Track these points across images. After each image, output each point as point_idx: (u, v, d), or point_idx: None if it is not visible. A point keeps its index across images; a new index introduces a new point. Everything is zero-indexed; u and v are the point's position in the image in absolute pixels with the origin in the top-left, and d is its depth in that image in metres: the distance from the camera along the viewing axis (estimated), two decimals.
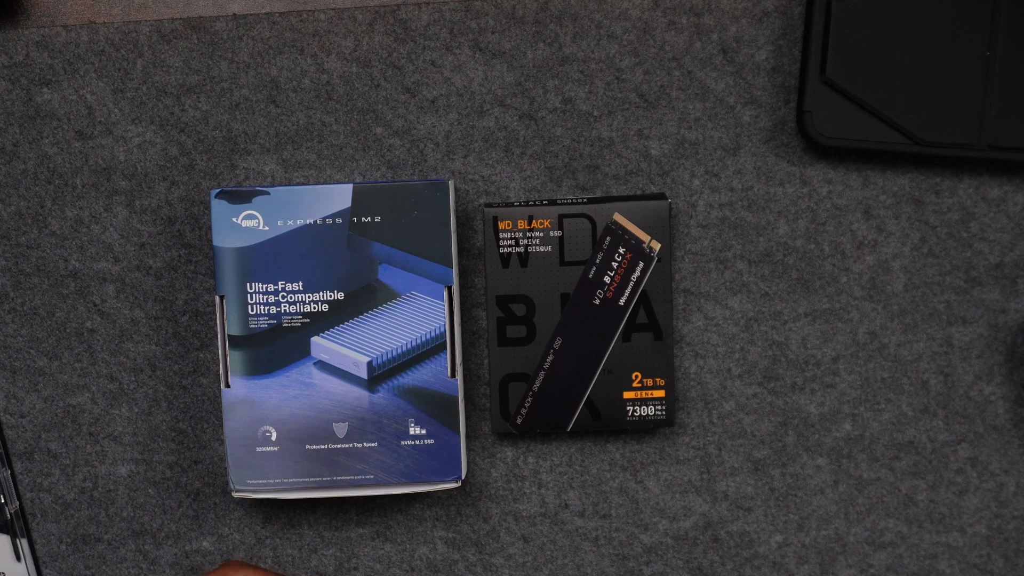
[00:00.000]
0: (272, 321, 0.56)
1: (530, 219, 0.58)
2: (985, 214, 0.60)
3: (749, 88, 0.60)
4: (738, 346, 0.61)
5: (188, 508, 0.61)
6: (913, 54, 0.57)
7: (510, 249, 0.58)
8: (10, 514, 0.61)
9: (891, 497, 0.62)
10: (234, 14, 0.59)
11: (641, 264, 0.58)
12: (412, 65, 0.59)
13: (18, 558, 0.61)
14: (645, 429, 0.61)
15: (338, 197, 0.56)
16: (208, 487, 0.61)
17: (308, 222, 0.56)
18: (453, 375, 0.57)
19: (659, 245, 0.58)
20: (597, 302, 0.58)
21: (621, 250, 0.58)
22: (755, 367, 0.61)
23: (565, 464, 0.61)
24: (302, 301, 0.56)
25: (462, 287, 0.60)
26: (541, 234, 0.58)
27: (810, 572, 0.62)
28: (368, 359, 0.57)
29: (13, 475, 0.61)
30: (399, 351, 0.56)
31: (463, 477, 0.58)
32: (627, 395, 0.59)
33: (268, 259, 0.56)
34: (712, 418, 0.61)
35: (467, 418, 0.61)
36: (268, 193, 0.56)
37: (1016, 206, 0.60)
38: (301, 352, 0.56)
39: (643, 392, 0.59)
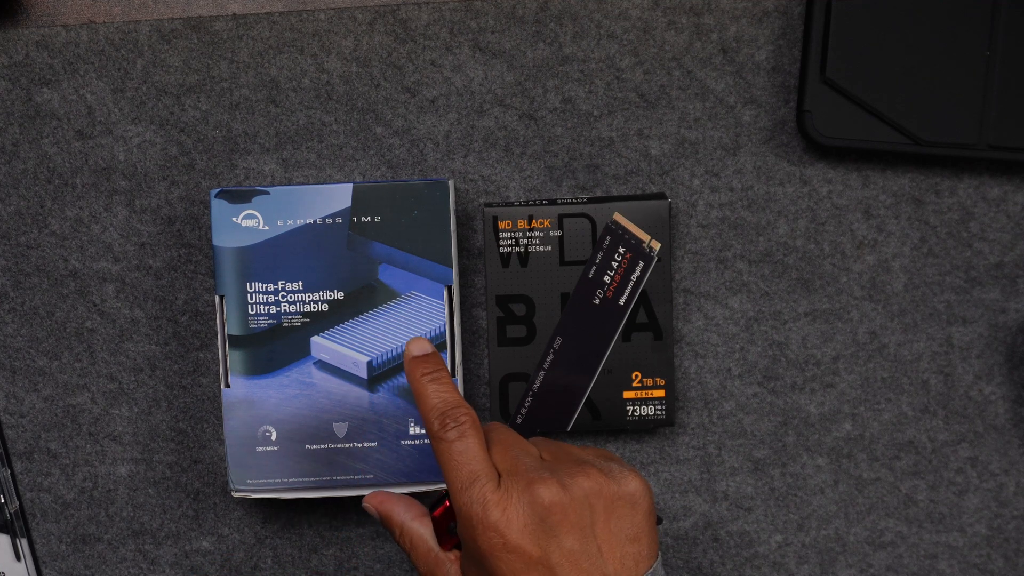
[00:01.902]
0: (272, 321, 0.56)
1: (530, 219, 0.58)
2: (985, 214, 0.60)
3: (749, 88, 0.60)
4: (738, 346, 0.61)
5: (188, 508, 0.61)
6: (913, 54, 0.57)
7: (510, 249, 0.58)
8: (10, 514, 0.61)
9: (891, 497, 0.62)
10: (234, 14, 0.59)
11: (641, 264, 0.58)
12: (412, 65, 0.59)
13: (18, 558, 0.61)
14: (645, 429, 0.61)
15: (338, 197, 0.56)
16: (208, 487, 0.61)
17: (308, 222, 0.56)
18: (453, 375, 0.57)
19: (659, 245, 0.58)
20: (597, 302, 0.58)
21: (621, 250, 0.58)
22: (755, 367, 0.61)
23: None
24: (302, 301, 0.56)
25: (462, 287, 0.60)
26: (541, 234, 0.58)
27: (810, 572, 0.62)
28: (368, 359, 0.57)
29: (13, 475, 0.61)
30: (399, 351, 0.57)
31: None
32: (627, 395, 0.59)
33: (268, 259, 0.56)
34: (712, 418, 0.61)
35: None
36: (268, 193, 0.56)
37: (1016, 206, 0.60)
38: (301, 352, 0.56)
39: (643, 392, 0.59)
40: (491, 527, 0.43)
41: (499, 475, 0.45)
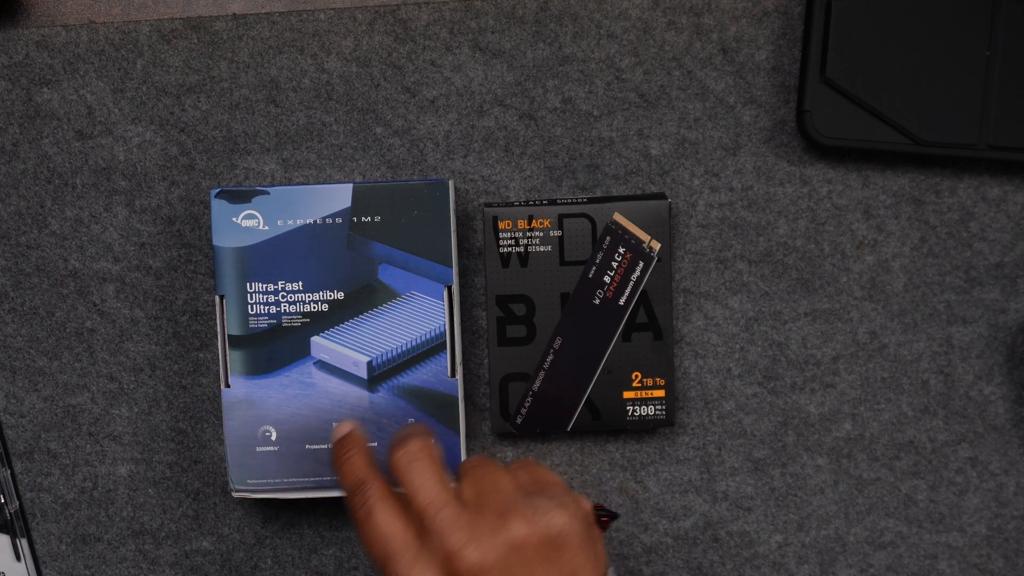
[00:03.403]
0: (272, 321, 0.56)
1: (530, 219, 0.58)
2: (985, 214, 0.60)
3: (749, 88, 0.60)
4: (738, 346, 0.61)
5: (188, 508, 0.61)
6: (913, 54, 0.57)
7: (510, 249, 0.58)
8: (10, 514, 0.61)
9: (891, 497, 0.62)
10: (234, 14, 0.59)
11: (641, 264, 0.58)
12: (412, 65, 0.59)
13: (18, 558, 0.61)
14: (645, 429, 0.61)
15: (338, 197, 0.56)
16: (208, 487, 0.61)
17: (308, 222, 0.56)
18: (453, 375, 0.57)
19: (659, 245, 0.58)
20: (597, 302, 0.58)
21: (621, 250, 0.58)
22: (755, 367, 0.61)
23: (565, 464, 0.61)
24: (302, 301, 0.56)
25: (462, 287, 0.60)
26: (541, 234, 0.58)
27: (810, 572, 0.62)
28: (368, 359, 0.57)
29: (13, 475, 0.61)
30: (399, 351, 0.57)
31: None
32: (627, 395, 0.59)
33: (268, 259, 0.56)
34: (712, 418, 0.61)
35: (467, 418, 0.61)
36: (268, 193, 0.56)
37: (1016, 206, 0.60)
38: (301, 352, 0.56)
39: (643, 392, 0.59)
40: None
41: (417, 538, 0.43)
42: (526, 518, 0.43)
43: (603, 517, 0.50)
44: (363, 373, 0.57)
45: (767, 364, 0.61)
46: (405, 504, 0.45)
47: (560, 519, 0.43)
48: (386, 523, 0.44)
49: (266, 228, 0.56)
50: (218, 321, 0.56)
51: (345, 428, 0.50)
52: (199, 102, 0.60)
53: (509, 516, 0.43)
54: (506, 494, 0.44)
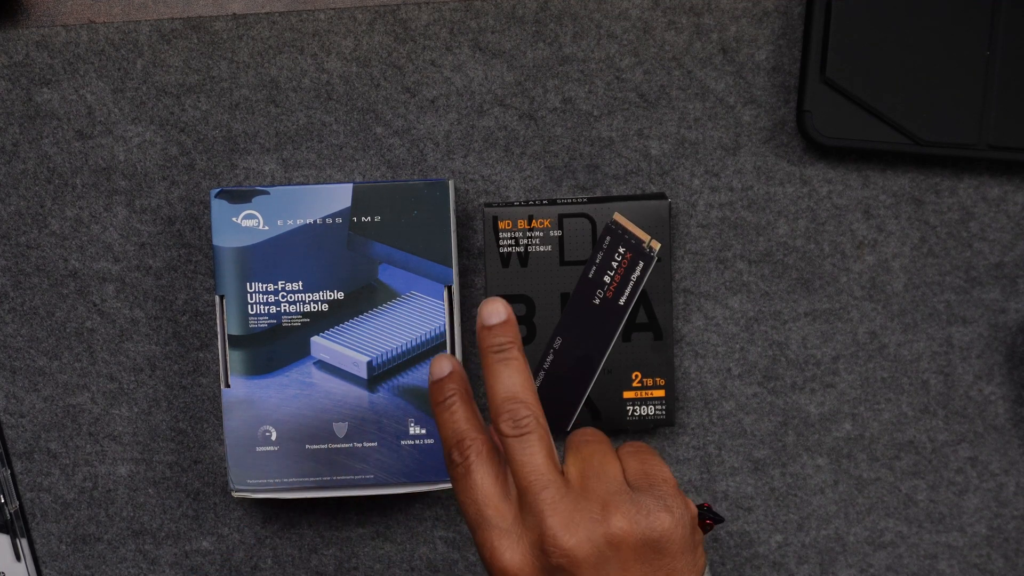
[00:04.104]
0: (272, 321, 0.56)
1: (530, 219, 0.58)
2: (985, 214, 0.60)
3: (749, 88, 0.60)
4: (738, 346, 0.61)
5: (188, 508, 0.61)
6: (913, 54, 0.57)
7: (510, 249, 0.58)
8: (10, 514, 0.61)
9: (891, 497, 0.62)
10: (234, 14, 0.59)
11: (641, 264, 0.58)
12: (412, 65, 0.59)
13: (18, 558, 0.61)
14: (645, 429, 0.61)
15: (338, 197, 0.56)
16: (208, 487, 0.61)
17: (308, 222, 0.56)
18: None
19: (659, 245, 0.58)
20: (597, 302, 0.58)
21: (621, 250, 0.58)
22: (755, 367, 0.61)
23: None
24: (302, 301, 0.56)
25: (462, 287, 0.60)
26: (541, 234, 0.58)
27: (810, 572, 0.62)
28: (368, 359, 0.57)
29: (13, 475, 0.61)
30: (399, 351, 0.57)
31: None
32: (627, 395, 0.59)
33: (268, 259, 0.56)
34: (712, 418, 0.61)
35: None
36: (268, 193, 0.56)
37: (1016, 206, 0.60)
38: (301, 352, 0.56)
39: (643, 392, 0.59)
40: (499, 572, 0.42)
41: (513, 510, 0.42)
42: (628, 516, 0.41)
43: (707, 520, 0.48)
44: (363, 373, 0.57)
45: (767, 364, 0.61)
46: (505, 466, 0.44)
47: (664, 523, 0.42)
48: (484, 486, 0.42)
49: (266, 228, 0.56)
50: (218, 321, 0.56)
51: (443, 368, 0.45)
52: (199, 102, 0.60)
53: (612, 509, 0.41)
54: (612, 484, 0.42)
